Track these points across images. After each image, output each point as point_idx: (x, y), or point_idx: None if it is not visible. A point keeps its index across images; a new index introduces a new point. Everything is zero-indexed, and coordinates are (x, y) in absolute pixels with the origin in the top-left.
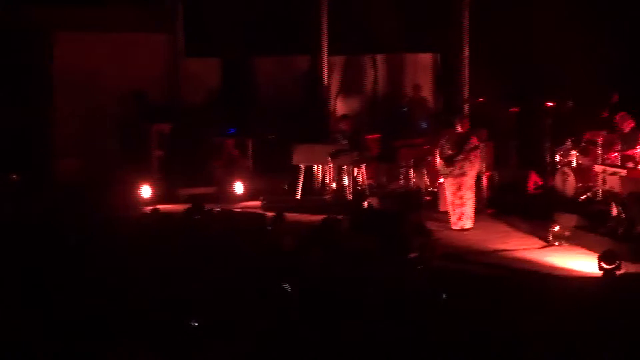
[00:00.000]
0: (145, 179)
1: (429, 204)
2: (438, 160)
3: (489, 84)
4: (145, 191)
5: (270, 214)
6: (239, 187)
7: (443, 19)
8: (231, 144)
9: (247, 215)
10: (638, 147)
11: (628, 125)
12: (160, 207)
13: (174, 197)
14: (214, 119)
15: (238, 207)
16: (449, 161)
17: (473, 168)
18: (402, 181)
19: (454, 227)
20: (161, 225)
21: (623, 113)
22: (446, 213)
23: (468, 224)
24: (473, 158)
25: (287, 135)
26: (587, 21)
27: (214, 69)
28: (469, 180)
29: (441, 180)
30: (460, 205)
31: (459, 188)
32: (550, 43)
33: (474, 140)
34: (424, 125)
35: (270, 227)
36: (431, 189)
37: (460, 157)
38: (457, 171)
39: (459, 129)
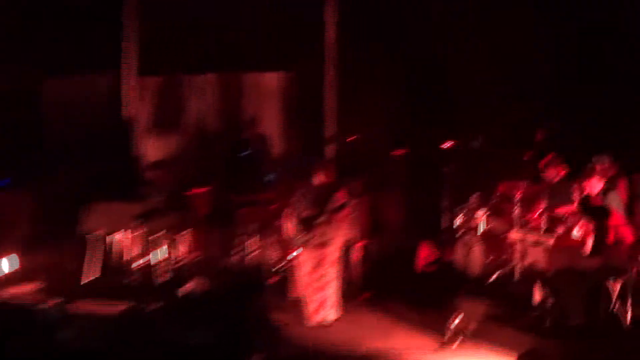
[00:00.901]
0: None
1: (277, 286)
2: (290, 224)
3: (365, 116)
4: None
5: (50, 301)
6: (6, 264)
7: (300, 28)
8: (3, 201)
9: (15, 307)
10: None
11: (557, 174)
12: None
13: None
14: None
15: (3, 295)
16: (305, 225)
17: (339, 235)
18: (240, 254)
19: (312, 320)
20: None
21: (551, 156)
22: (301, 300)
23: (332, 315)
24: (339, 221)
25: (79, 189)
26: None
27: None
28: (334, 252)
29: (295, 253)
30: (320, 289)
31: (320, 264)
32: (453, 62)
33: (342, 196)
34: (270, 176)
35: (50, 319)
36: (280, 265)
37: (322, 219)
38: (317, 240)
39: (320, 179)
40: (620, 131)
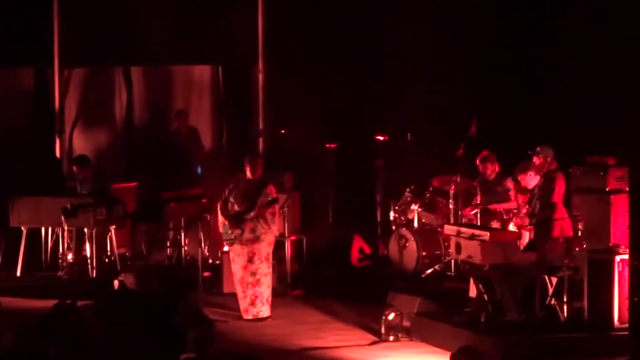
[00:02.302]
0: None
1: (208, 282)
2: (220, 219)
3: (295, 109)
4: None
5: None
6: None
7: (226, 19)
8: None
9: None
10: (513, 201)
11: (493, 170)
12: None
13: None
14: None
15: None
16: (235, 221)
17: (270, 231)
18: (169, 250)
19: (245, 316)
20: None
21: (486, 152)
22: (234, 295)
23: (265, 310)
24: (270, 216)
25: (2, 184)
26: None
27: None
28: (265, 247)
29: (226, 248)
30: (253, 285)
31: (251, 260)
32: (379, 54)
33: (272, 191)
34: (199, 169)
35: None
36: (211, 260)
37: (252, 214)
38: (247, 235)
39: (249, 174)
40: (558, 122)
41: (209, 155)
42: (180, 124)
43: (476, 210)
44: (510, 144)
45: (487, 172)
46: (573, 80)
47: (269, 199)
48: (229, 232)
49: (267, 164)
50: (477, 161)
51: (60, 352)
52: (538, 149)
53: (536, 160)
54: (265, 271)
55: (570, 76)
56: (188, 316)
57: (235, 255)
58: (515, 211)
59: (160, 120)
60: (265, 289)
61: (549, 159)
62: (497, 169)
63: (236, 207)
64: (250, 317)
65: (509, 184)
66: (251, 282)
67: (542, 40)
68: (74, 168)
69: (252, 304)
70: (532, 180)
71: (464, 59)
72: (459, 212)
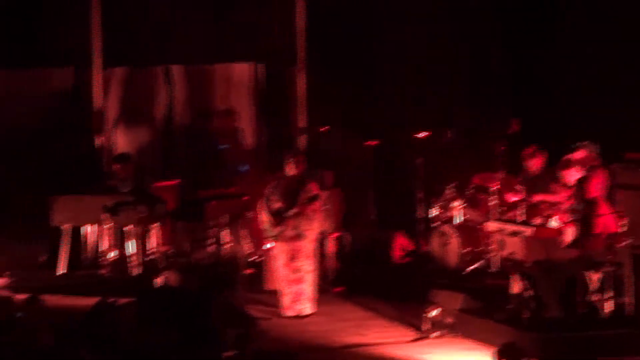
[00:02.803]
0: None
1: (250, 279)
2: (263, 216)
3: (336, 107)
4: None
5: (20, 296)
6: None
7: (268, 16)
8: None
9: None
10: (559, 195)
11: (537, 164)
12: None
13: None
14: None
15: None
16: (277, 218)
17: (312, 228)
18: (211, 247)
19: (288, 313)
20: None
21: (533, 147)
22: (276, 293)
23: (308, 307)
24: (312, 213)
25: (43, 183)
26: (472, 27)
27: None
28: (308, 244)
29: (268, 245)
30: (296, 282)
31: (294, 257)
32: (421, 52)
33: (313, 187)
34: (245, 167)
35: (19, 315)
36: (254, 258)
37: (294, 211)
38: (289, 232)
39: (291, 171)
40: (601, 118)
41: (250, 154)
42: (225, 122)
43: (519, 205)
44: (552, 141)
45: (532, 168)
46: (614, 77)
47: (310, 196)
48: (272, 229)
49: (308, 162)
50: (522, 157)
51: (95, 352)
52: (580, 143)
53: (578, 154)
54: (308, 268)
55: (613, 74)
56: (228, 314)
57: (278, 253)
58: (557, 206)
59: (200, 119)
60: (308, 286)
61: (593, 154)
62: (541, 165)
63: (278, 204)
64: (293, 314)
65: (553, 180)
66: (294, 279)
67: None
68: (116, 166)
69: (295, 301)
70: (573, 176)
71: (507, 55)
72: (502, 208)
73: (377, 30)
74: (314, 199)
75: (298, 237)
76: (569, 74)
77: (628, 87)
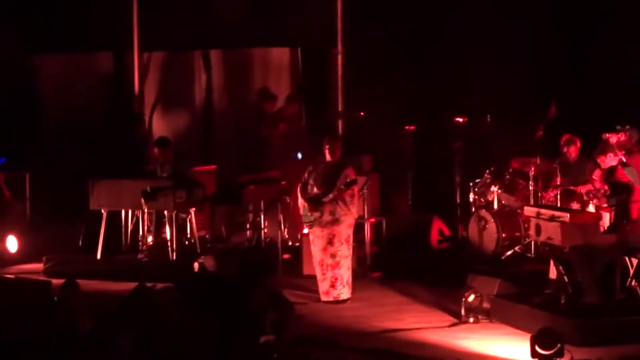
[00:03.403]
0: None
1: (288, 264)
2: (300, 201)
3: (374, 91)
4: None
5: (57, 280)
6: (11, 243)
7: (304, 0)
8: None
9: (23, 283)
10: (595, 182)
11: (575, 152)
12: None
13: None
14: None
15: (10, 272)
16: (315, 203)
17: (350, 213)
18: (248, 232)
19: (325, 298)
20: None
21: (569, 135)
22: (313, 278)
23: (345, 292)
24: (349, 198)
25: (82, 166)
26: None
27: None
28: (345, 229)
29: (305, 230)
30: (333, 267)
31: (331, 242)
32: (458, 36)
33: (351, 172)
34: (298, 155)
35: (57, 299)
36: (291, 243)
37: (331, 196)
38: (326, 217)
39: (329, 156)
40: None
41: (292, 138)
42: (268, 105)
43: (556, 192)
44: (589, 125)
45: (569, 155)
46: None
47: (348, 181)
48: (309, 214)
49: (346, 146)
50: (561, 143)
51: (133, 339)
52: (618, 127)
53: (615, 138)
54: (345, 253)
55: None
56: (266, 299)
57: (315, 238)
58: (594, 192)
59: (239, 103)
60: (345, 271)
61: (633, 139)
62: (578, 150)
63: (315, 190)
64: (330, 299)
65: (590, 165)
66: (331, 264)
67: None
68: (155, 150)
69: (332, 286)
70: (611, 161)
71: (544, 41)
72: (539, 194)
73: (416, 13)
74: (351, 184)
75: (335, 222)
76: (608, 66)
77: None
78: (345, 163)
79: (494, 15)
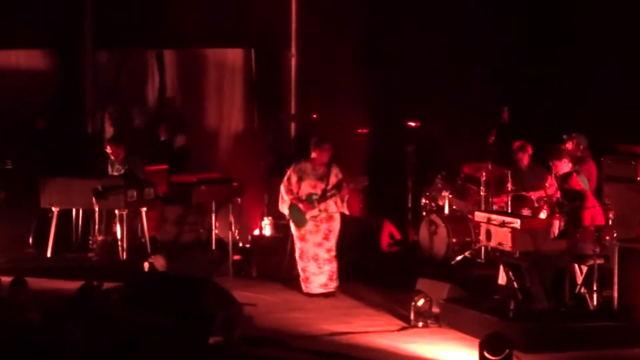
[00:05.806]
0: None
1: (238, 265)
2: (284, 200)
3: (327, 93)
4: None
5: (5, 278)
6: None
7: (259, 2)
8: None
9: None
10: (546, 189)
11: (526, 158)
12: None
13: None
14: None
15: None
16: (310, 202)
17: (342, 209)
18: (199, 233)
19: (317, 290)
20: None
21: (521, 142)
22: (263, 279)
23: (334, 285)
24: (343, 195)
25: (32, 163)
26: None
27: None
28: (338, 225)
29: (293, 228)
30: (329, 261)
31: (327, 237)
32: (413, 38)
33: (339, 170)
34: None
35: (6, 297)
36: (242, 244)
37: (330, 193)
38: (323, 214)
39: (317, 157)
40: (589, 111)
41: (241, 139)
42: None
43: (507, 198)
44: (541, 131)
45: (521, 161)
46: (603, 68)
47: (339, 178)
48: (301, 213)
49: (298, 148)
50: (513, 150)
51: (84, 332)
52: (565, 136)
53: (568, 145)
54: (334, 248)
55: (600, 64)
56: (216, 299)
57: (308, 233)
58: (546, 199)
59: (192, 103)
60: (335, 266)
61: (581, 146)
62: (529, 157)
63: (309, 189)
64: (325, 290)
65: (543, 172)
66: (328, 258)
67: (568, 29)
68: (108, 147)
69: (331, 279)
70: (565, 167)
71: (498, 46)
72: (490, 199)
73: (371, 15)
74: (342, 182)
75: (330, 218)
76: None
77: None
78: (331, 162)
79: (448, 18)
